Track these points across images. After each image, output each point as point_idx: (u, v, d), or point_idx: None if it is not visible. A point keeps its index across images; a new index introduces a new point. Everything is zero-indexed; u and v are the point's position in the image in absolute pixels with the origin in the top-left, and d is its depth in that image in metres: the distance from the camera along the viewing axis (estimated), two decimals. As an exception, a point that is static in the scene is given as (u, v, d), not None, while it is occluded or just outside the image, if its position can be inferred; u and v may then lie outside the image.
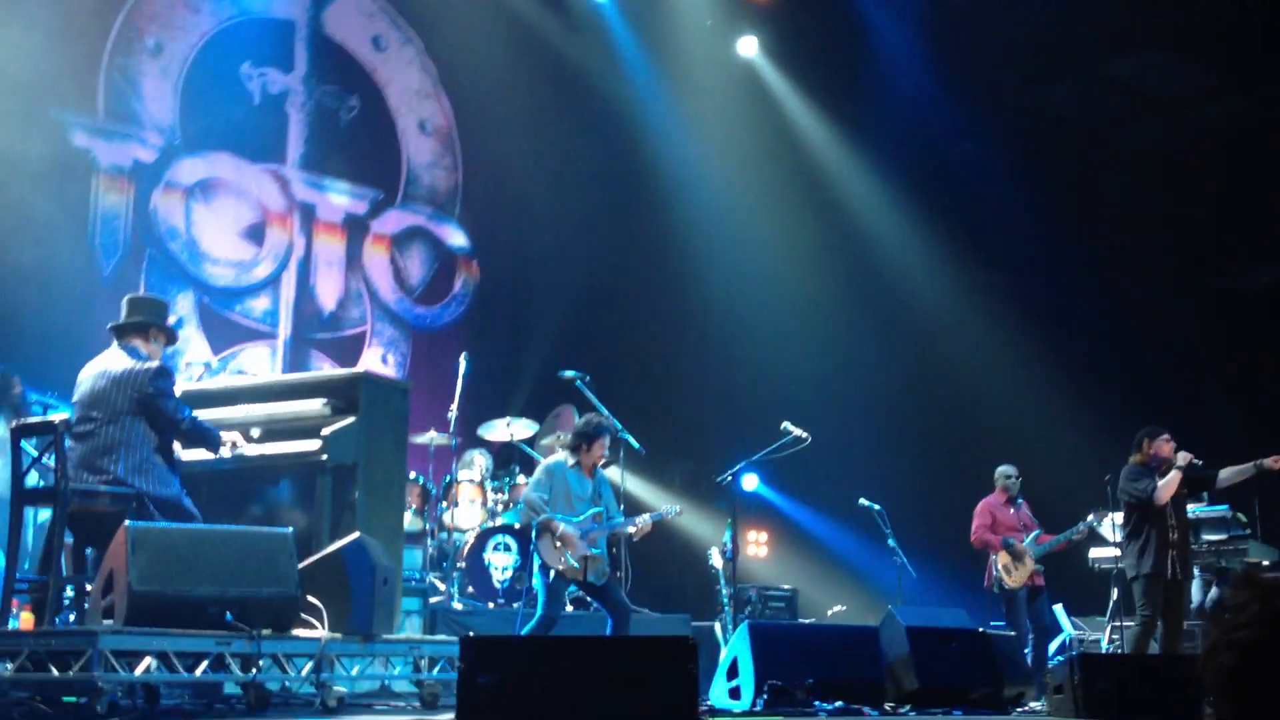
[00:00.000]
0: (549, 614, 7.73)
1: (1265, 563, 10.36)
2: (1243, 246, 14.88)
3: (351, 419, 7.50)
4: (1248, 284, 15.76)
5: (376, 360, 12.60)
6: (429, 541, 10.23)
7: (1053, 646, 10.54)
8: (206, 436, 6.92)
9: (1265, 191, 14.00)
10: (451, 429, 10.28)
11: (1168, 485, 8.90)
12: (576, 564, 7.77)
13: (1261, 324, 14.74)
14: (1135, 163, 14.75)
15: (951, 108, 14.12)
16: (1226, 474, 9.18)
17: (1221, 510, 10.31)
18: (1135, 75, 13.87)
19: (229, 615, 5.82)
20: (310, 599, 6.27)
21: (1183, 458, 8.94)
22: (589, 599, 8.69)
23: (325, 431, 7.37)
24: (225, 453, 7.03)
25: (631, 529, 8.35)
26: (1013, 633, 9.33)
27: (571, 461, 8.10)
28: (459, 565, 9.93)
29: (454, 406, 10.16)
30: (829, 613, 12.37)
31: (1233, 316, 15.16)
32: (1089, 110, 14.67)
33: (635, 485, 12.21)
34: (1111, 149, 14.86)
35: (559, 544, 7.75)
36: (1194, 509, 9.71)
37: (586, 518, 7.94)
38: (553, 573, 7.74)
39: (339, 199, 12.73)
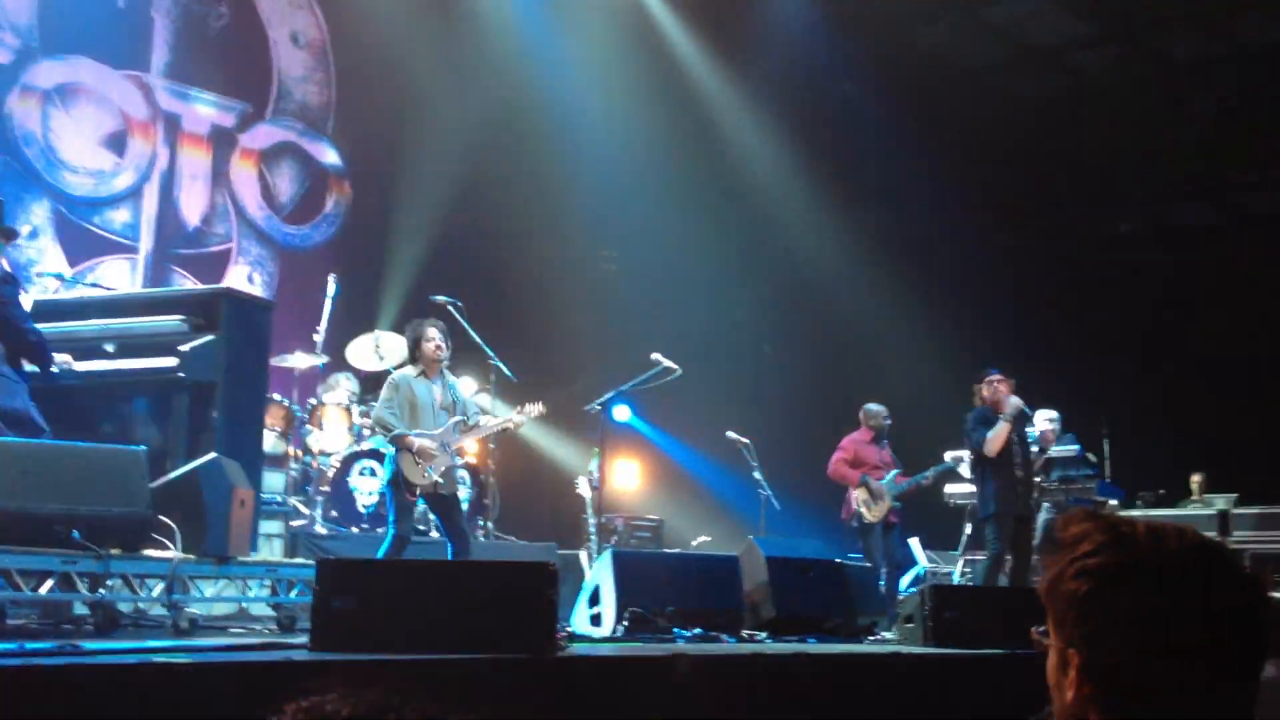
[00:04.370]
0: (400, 533, 7.62)
1: (1113, 502, 10.76)
2: (1107, 195, 15.31)
3: (211, 336, 7.32)
4: (1112, 231, 16.26)
5: (242, 279, 12.26)
6: (292, 464, 10.06)
7: (905, 579, 10.83)
8: (44, 352, 6.69)
9: (1133, 142, 14.40)
10: (319, 351, 10.10)
11: (996, 437, 9.26)
12: (440, 478, 7.69)
13: (1124, 270, 15.24)
14: (1009, 108, 15.01)
15: (833, 45, 14.15)
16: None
17: (1073, 450, 10.67)
18: (1013, 20, 14.04)
19: (76, 533, 5.65)
20: (163, 519, 6.11)
21: (1013, 405, 9.24)
22: (432, 515, 8.46)
23: (183, 348, 7.18)
24: (55, 369, 6.83)
25: (494, 427, 8.29)
26: (868, 564, 9.57)
27: (414, 371, 7.95)
28: (323, 489, 9.79)
29: (321, 328, 9.97)
30: (694, 543, 12.53)
31: (1096, 262, 15.64)
32: (966, 54, 14.81)
33: (505, 412, 12.17)
34: (987, 93, 15.07)
35: (419, 459, 7.63)
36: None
37: (447, 427, 7.83)
38: (416, 488, 7.64)
39: (205, 110, 12.29)
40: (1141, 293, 14.81)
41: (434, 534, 9.58)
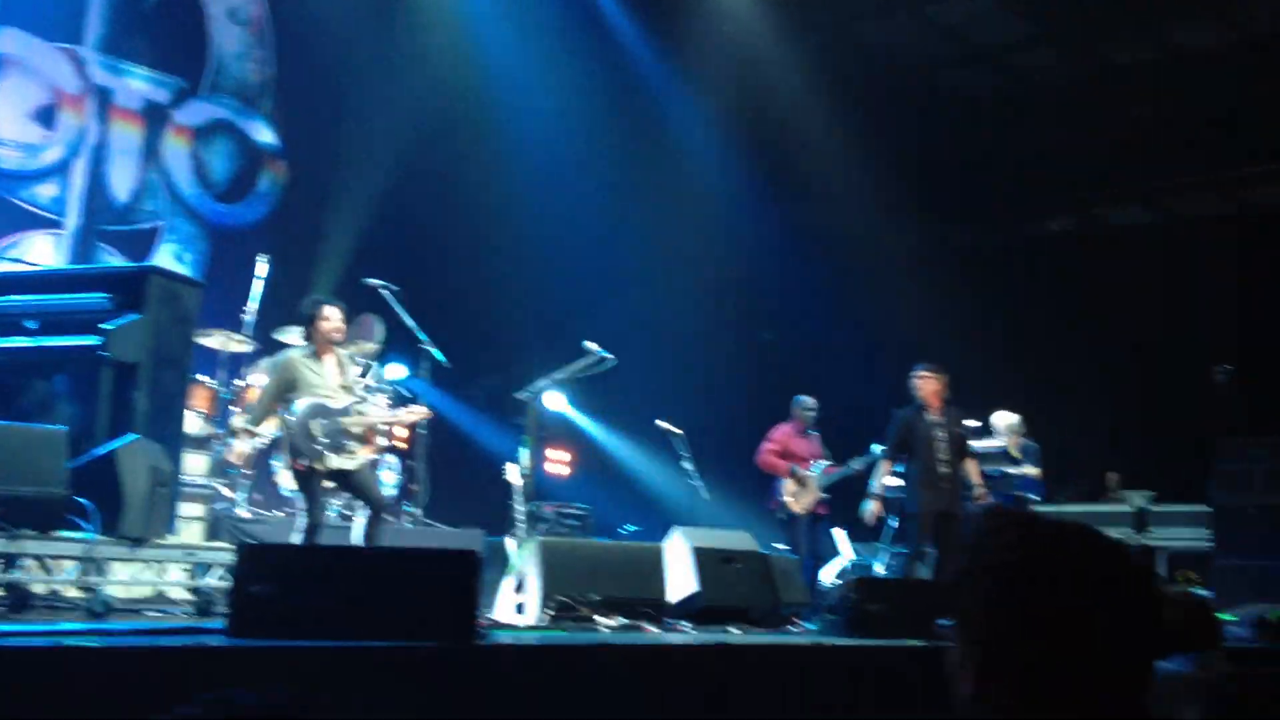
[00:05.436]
0: (312, 520, 7.17)
1: (1034, 498, 10.90)
2: (1040, 194, 15.53)
3: (136, 315, 7.20)
4: (1042, 230, 16.51)
5: (171, 257, 12.07)
6: (216, 446, 9.92)
7: (829, 571, 10.93)
8: None
9: (1066, 143, 14.60)
10: (249, 332, 9.96)
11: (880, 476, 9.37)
12: (322, 450, 7.15)
13: (1052, 269, 15.47)
14: (951, 106, 15.15)
15: (777, 39, 14.18)
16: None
17: (997, 448, 10.81)
18: (958, 20, 14.16)
19: (-11, 513, 5.56)
20: (80, 500, 6.02)
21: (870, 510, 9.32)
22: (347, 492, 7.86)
23: (107, 326, 7.07)
24: None
25: (375, 420, 7.62)
26: (795, 556, 9.65)
27: (305, 351, 7.47)
28: (246, 472, 9.66)
29: (250, 309, 9.84)
30: (621, 532, 12.54)
31: (1028, 261, 15.87)
32: (912, 51, 14.89)
33: (438, 399, 12.11)
34: (929, 91, 15.21)
35: (295, 436, 7.13)
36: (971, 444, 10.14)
37: (343, 407, 7.33)
38: (307, 467, 7.14)
39: (139, 85, 12.08)
40: (1069, 292, 15.03)
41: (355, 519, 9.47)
